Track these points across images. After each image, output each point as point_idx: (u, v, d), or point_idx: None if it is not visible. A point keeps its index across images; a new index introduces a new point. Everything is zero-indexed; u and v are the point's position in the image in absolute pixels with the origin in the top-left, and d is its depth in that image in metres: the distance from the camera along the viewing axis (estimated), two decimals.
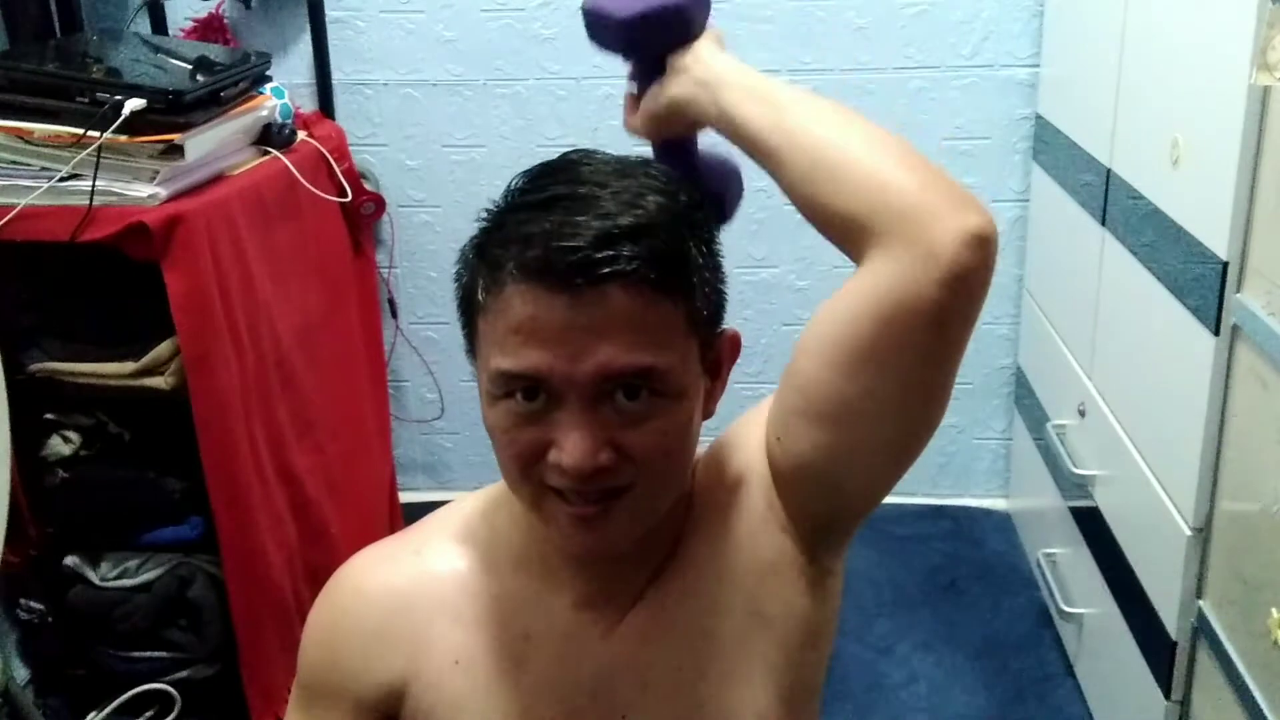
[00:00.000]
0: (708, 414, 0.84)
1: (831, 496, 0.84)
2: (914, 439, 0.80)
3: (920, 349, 0.74)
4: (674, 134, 0.89)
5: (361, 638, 0.89)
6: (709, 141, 0.90)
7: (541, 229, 0.74)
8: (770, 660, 0.86)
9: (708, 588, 0.86)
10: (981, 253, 0.71)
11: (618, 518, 0.78)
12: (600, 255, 0.72)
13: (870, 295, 0.73)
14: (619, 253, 0.72)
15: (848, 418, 0.78)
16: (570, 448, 0.74)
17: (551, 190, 0.76)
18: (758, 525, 0.86)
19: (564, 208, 0.75)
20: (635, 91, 0.89)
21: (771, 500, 0.86)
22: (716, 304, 0.82)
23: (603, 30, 0.87)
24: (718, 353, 0.84)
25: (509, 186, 0.80)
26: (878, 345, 0.74)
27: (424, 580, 0.90)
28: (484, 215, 0.80)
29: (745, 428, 0.90)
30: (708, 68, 0.83)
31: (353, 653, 0.89)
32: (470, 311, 0.80)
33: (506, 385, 0.76)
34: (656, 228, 0.75)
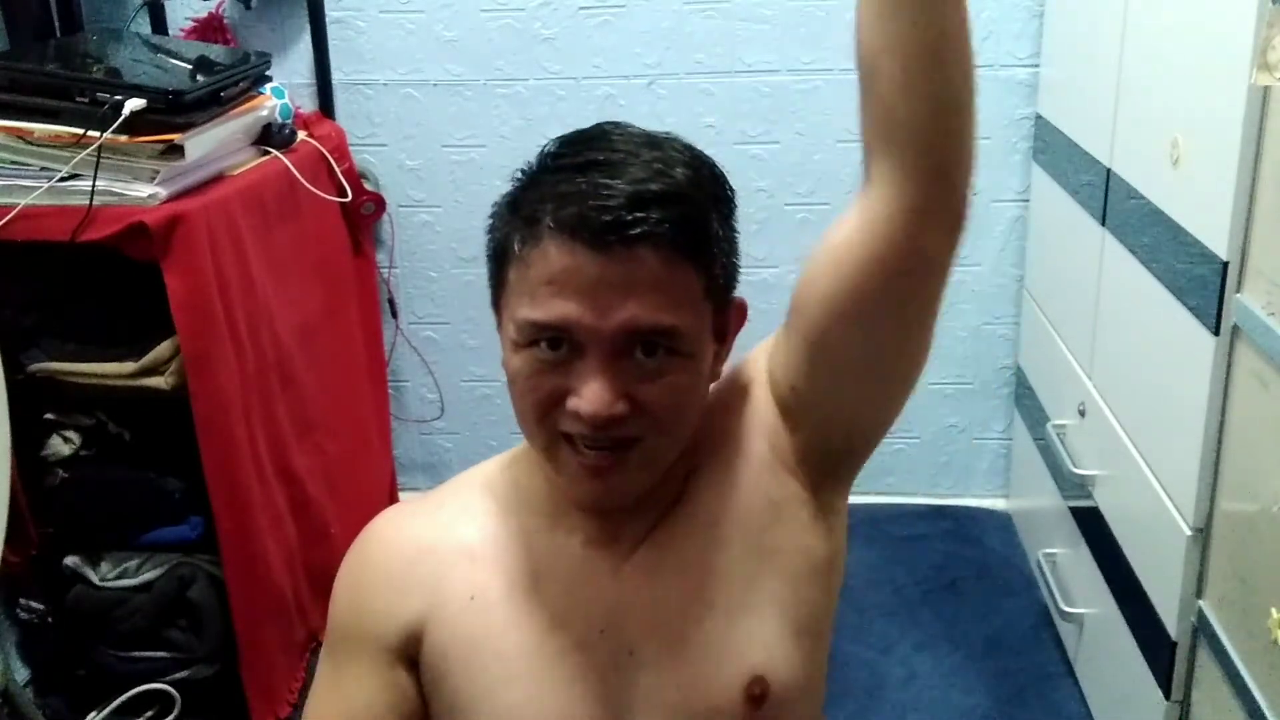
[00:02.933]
0: (714, 377, 0.89)
1: (833, 432, 0.89)
2: (911, 377, 0.86)
3: (927, 296, 0.81)
4: None
5: (385, 585, 0.93)
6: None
7: (578, 189, 0.78)
8: (777, 595, 0.89)
9: (713, 526, 0.90)
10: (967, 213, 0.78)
11: (627, 469, 0.83)
12: (632, 216, 0.77)
13: (882, 246, 0.78)
14: (649, 215, 0.77)
15: (856, 364, 0.84)
16: (590, 395, 0.79)
17: (586, 155, 0.81)
18: (762, 465, 0.90)
19: (599, 170, 0.79)
20: None
21: (776, 441, 0.90)
22: (731, 274, 0.87)
23: None
24: (727, 320, 0.89)
25: (542, 150, 0.84)
26: (886, 296, 0.79)
27: (444, 529, 0.95)
28: (518, 175, 0.84)
29: (745, 371, 0.94)
30: None
31: (376, 600, 0.93)
32: (502, 262, 0.84)
33: (534, 334, 0.81)
34: (684, 196, 0.80)
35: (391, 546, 0.95)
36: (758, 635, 0.88)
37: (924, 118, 0.76)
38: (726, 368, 0.93)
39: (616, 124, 0.86)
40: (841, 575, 0.95)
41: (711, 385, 0.90)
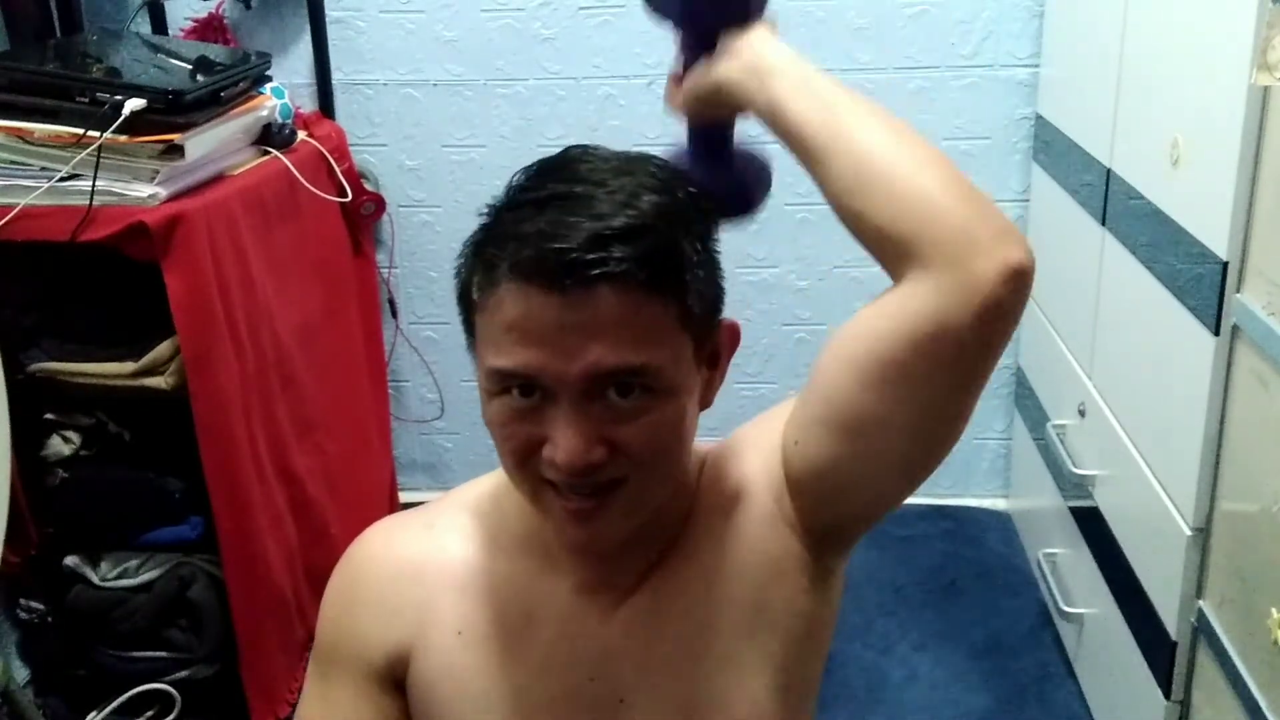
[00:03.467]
0: (705, 404, 0.85)
1: (841, 504, 0.85)
2: (929, 458, 0.81)
3: (948, 375, 0.74)
4: (714, 117, 0.87)
5: (373, 605, 0.92)
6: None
7: (536, 229, 0.74)
8: (768, 653, 0.87)
9: (709, 579, 0.87)
10: (1019, 287, 0.71)
11: (611, 512, 0.80)
12: (591, 256, 0.73)
13: (905, 317, 0.73)
14: (610, 254, 0.73)
15: (867, 432, 0.78)
16: (563, 444, 0.76)
17: (549, 189, 0.77)
18: (765, 523, 0.87)
19: (559, 206, 0.75)
20: (680, 69, 0.87)
21: (781, 500, 0.87)
22: (713, 299, 0.82)
23: None
24: (715, 344, 0.85)
25: (509, 183, 0.81)
26: (907, 367, 0.74)
27: (434, 553, 0.92)
28: (484, 212, 0.80)
29: (758, 428, 0.91)
30: (761, 54, 0.81)
31: (364, 620, 0.92)
32: (467, 308, 0.81)
33: (501, 382, 0.78)
34: (649, 229, 0.75)
35: (380, 565, 0.93)
36: (745, 693, 0.87)
37: (876, 240, 0.75)
38: (730, 412, 0.90)
39: (586, 149, 0.82)
40: (830, 639, 0.93)
41: (733, 433, 0.87)
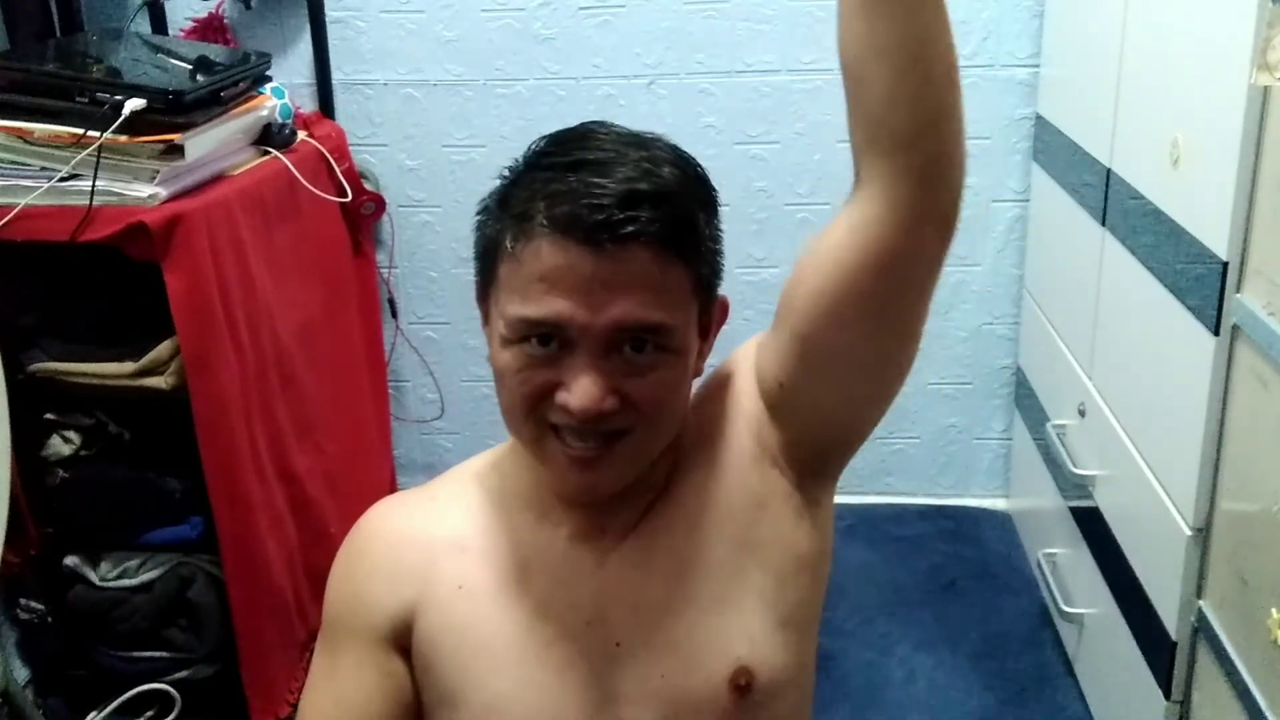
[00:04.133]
0: (697, 372, 0.90)
1: (819, 430, 0.90)
2: (899, 376, 0.87)
3: (913, 298, 0.82)
4: None
5: (377, 574, 0.95)
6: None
7: (569, 187, 0.79)
8: (761, 588, 0.90)
9: (698, 520, 0.90)
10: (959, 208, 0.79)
11: (613, 460, 0.84)
12: (624, 215, 0.78)
13: (872, 247, 0.79)
14: (641, 214, 0.78)
15: (843, 362, 0.84)
16: (579, 391, 0.80)
17: (575, 154, 0.82)
18: (747, 460, 0.91)
19: (590, 169, 0.80)
20: None
21: (762, 436, 0.90)
22: (716, 272, 0.88)
23: None
24: (711, 316, 0.89)
25: (529, 149, 0.85)
26: (877, 297, 0.80)
27: (436, 519, 0.96)
28: (506, 173, 0.85)
29: (732, 367, 0.94)
30: None
31: (369, 590, 0.94)
32: (492, 259, 0.84)
33: (525, 330, 0.81)
34: (674, 195, 0.81)
35: (383, 537, 0.97)
36: (742, 627, 0.89)
37: (909, 121, 0.76)
38: (713, 363, 0.94)
39: (602, 123, 0.87)
40: (828, 570, 0.95)
41: (697, 380, 0.91)
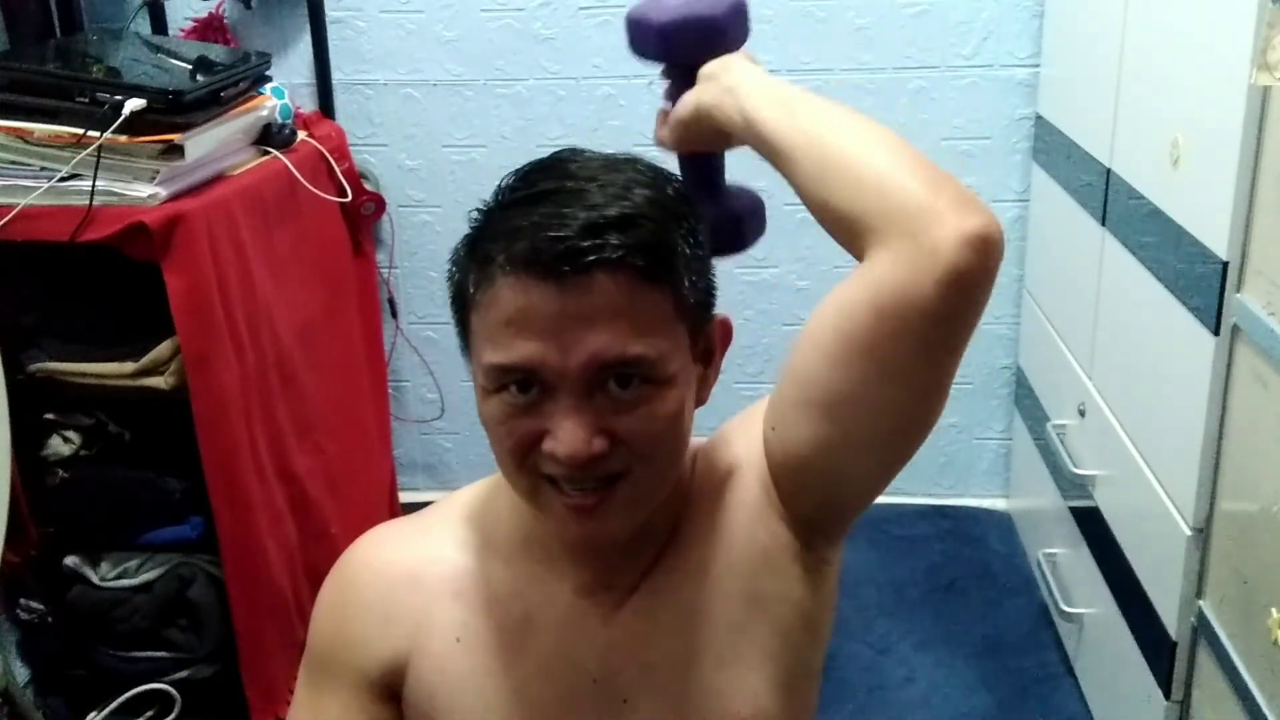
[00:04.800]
0: (701, 401, 0.85)
1: (824, 488, 0.85)
2: (907, 437, 0.80)
3: (915, 347, 0.74)
4: (701, 145, 0.89)
5: (367, 613, 0.91)
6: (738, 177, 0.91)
7: (530, 221, 0.75)
8: (766, 646, 0.88)
9: (704, 574, 0.87)
10: (982, 254, 0.71)
11: (613, 506, 0.80)
12: (587, 244, 0.74)
13: (869, 290, 0.73)
14: (605, 241, 0.74)
15: (841, 410, 0.78)
16: (564, 437, 0.76)
17: (540, 186, 0.78)
18: (754, 514, 0.87)
19: (552, 201, 0.76)
20: (668, 105, 0.90)
21: (768, 490, 0.87)
22: (705, 292, 0.83)
23: (642, 36, 0.88)
24: (709, 340, 0.85)
25: (499, 185, 0.81)
26: (874, 340, 0.74)
27: (430, 560, 0.92)
28: (475, 214, 0.81)
29: (744, 421, 0.91)
30: (735, 76, 0.84)
31: (358, 628, 0.91)
32: (463, 309, 0.81)
33: (500, 379, 0.77)
34: (643, 218, 0.76)
35: (374, 573, 0.93)
36: (746, 684, 0.87)
37: (840, 223, 0.76)
38: (731, 412, 0.90)
39: (575, 151, 0.84)
40: (831, 624, 0.93)
41: (709, 423, 0.87)
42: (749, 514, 0.87)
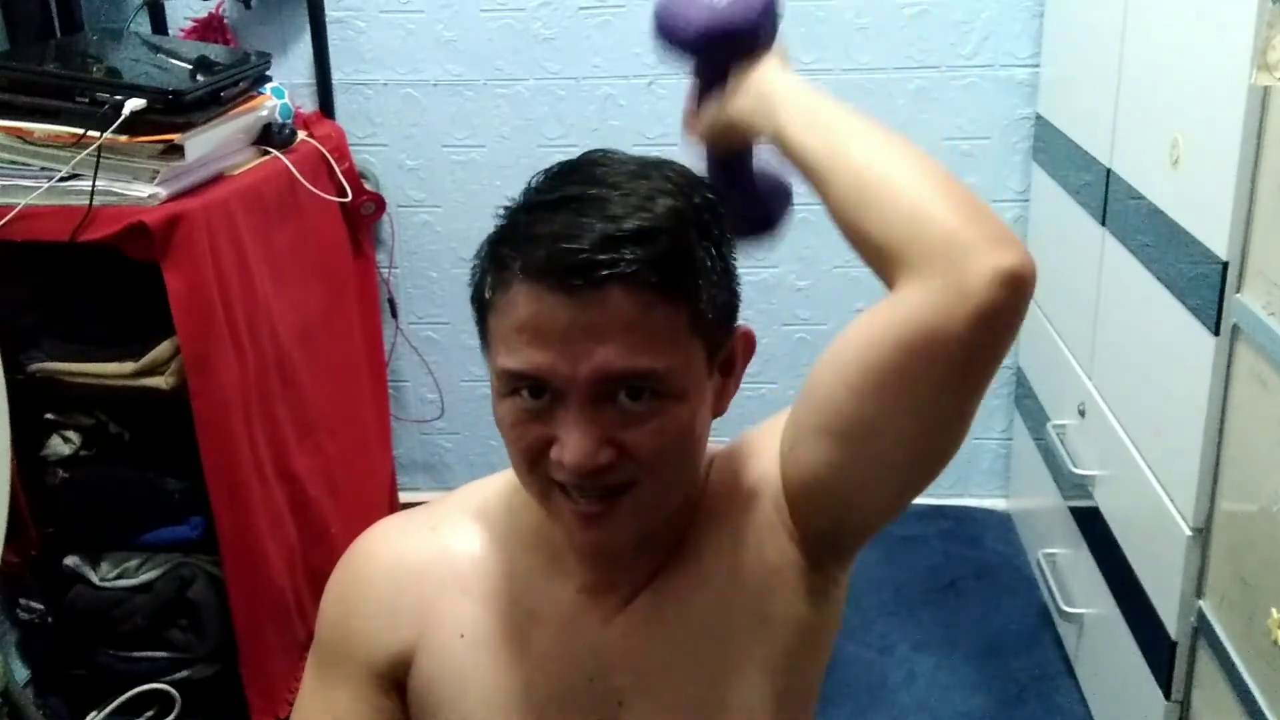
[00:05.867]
0: (719, 411, 0.85)
1: (837, 512, 0.84)
2: (925, 468, 0.80)
3: (940, 380, 0.73)
4: (731, 146, 0.89)
5: (375, 606, 0.92)
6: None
7: (549, 230, 0.75)
8: (766, 661, 0.87)
9: (710, 585, 0.87)
10: (1015, 292, 0.70)
11: (620, 516, 0.80)
12: (602, 257, 0.73)
13: (897, 321, 0.73)
14: (621, 255, 0.73)
15: (860, 438, 0.78)
16: (570, 446, 0.76)
17: (564, 191, 0.78)
18: (765, 530, 0.87)
19: (573, 208, 0.76)
20: (695, 98, 0.89)
21: (780, 507, 0.86)
22: (726, 305, 0.82)
23: (673, 33, 0.87)
24: (730, 352, 0.84)
25: (528, 184, 0.81)
26: (899, 371, 0.73)
27: (437, 554, 0.92)
28: (501, 212, 0.81)
29: (762, 434, 0.90)
30: (769, 86, 0.84)
31: (366, 620, 0.92)
32: (481, 309, 0.81)
33: (512, 383, 0.78)
34: (662, 231, 0.75)
35: (383, 565, 0.93)
36: (742, 700, 0.87)
37: (874, 252, 0.75)
38: (731, 412, 0.89)
39: (606, 153, 0.83)
40: (832, 645, 0.93)
41: (727, 431, 0.87)
42: (759, 530, 0.87)
